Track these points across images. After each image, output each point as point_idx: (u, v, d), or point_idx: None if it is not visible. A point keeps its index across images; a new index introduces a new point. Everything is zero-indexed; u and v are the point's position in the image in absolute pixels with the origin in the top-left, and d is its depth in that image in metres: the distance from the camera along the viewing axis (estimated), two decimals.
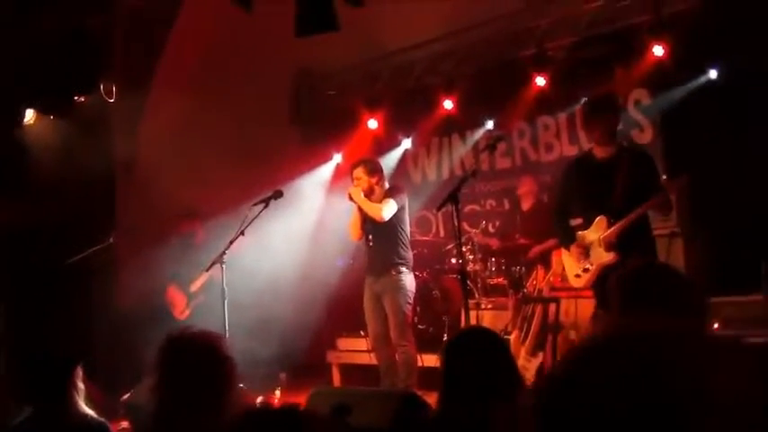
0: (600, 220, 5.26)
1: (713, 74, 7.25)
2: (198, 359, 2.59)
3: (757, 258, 5.72)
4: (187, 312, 7.45)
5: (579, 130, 8.40)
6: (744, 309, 5.95)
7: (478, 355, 2.91)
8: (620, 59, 7.73)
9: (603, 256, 5.22)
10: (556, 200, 6.06)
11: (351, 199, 6.39)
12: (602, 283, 5.20)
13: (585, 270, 5.38)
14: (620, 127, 7.65)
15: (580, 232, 5.42)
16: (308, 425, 1.71)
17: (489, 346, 3.01)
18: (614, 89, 7.81)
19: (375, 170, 6.53)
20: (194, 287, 7.34)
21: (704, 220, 7.01)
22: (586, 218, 5.39)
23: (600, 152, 5.36)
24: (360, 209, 6.42)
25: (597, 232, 5.28)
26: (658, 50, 7.33)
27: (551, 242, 7.65)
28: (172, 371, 2.61)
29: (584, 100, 5.60)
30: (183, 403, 2.55)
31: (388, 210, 6.30)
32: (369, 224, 6.47)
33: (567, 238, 5.55)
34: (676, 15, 7.28)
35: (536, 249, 7.67)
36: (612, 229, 5.17)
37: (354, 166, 6.59)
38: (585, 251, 5.36)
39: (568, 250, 5.52)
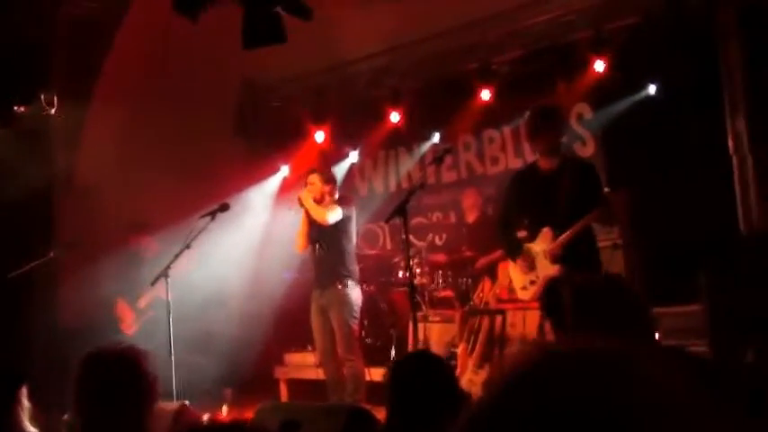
0: (545, 233, 5.30)
1: (652, 89, 7.44)
2: (115, 375, 2.58)
3: (694, 268, 5.86)
4: (135, 327, 7.32)
5: (524, 143, 8.54)
6: (683, 319, 6.08)
7: (424, 379, 2.97)
8: (562, 74, 7.87)
9: (549, 269, 5.27)
10: (499, 212, 6.11)
11: (300, 202, 6.39)
12: (547, 295, 5.28)
13: (532, 282, 5.42)
14: (564, 139, 7.87)
15: (526, 245, 5.47)
16: None
17: (434, 370, 3.07)
18: (557, 103, 7.99)
19: (330, 180, 6.60)
20: (142, 303, 7.22)
21: (643, 232, 7.16)
22: (531, 230, 5.43)
23: (544, 164, 5.40)
24: (306, 217, 6.43)
25: (542, 244, 5.32)
26: (599, 65, 7.49)
27: (497, 254, 7.73)
28: (89, 387, 2.61)
29: (529, 111, 5.61)
30: (101, 419, 2.54)
31: (333, 215, 6.33)
32: (315, 234, 6.47)
33: (513, 249, 5.59)
34: (616, 31, 7.46)
35: (482, 261, 7.74)
36: (557, 241, 5.22)
37: (310, 172, 6.67)
38: (531, 263, 5.40)
39: (515, 262, 5.57)
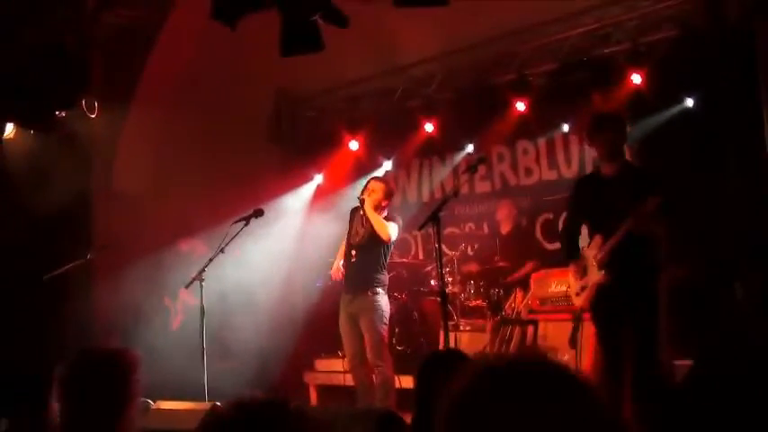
0: (596, 239, 5.20)
1: (690, 102, 7.38)
2: (94, 378, 2.63)
3: (731, 282, 5.79)
4: (176, 324, 7.48)
5: (558, 155, 8.53)
6: None
7: (449, 376, 2.95)
8: (598, 86, 7.82)
9: (596, 275, 5.21)
10: (566, 216, 6.04)
11: (361, 204, 6.40)
12: (598, 303, 5.23)
13: (583, 288, 5.33)
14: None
15: (584, 250, 5.40)
16: (298, 420, 1.69)
17: (459, 366, 3.04)
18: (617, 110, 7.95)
19: (390, 194, 6.62)
20: (179, 305, 7.35)
21: (680, 244, 7.09)
22: (590, 235, 5.34)
23: (605, 169, 5.31)
24: (365, 217, 6.44)
25: (594, 250, 5.24)
26: (636, 78, 7.46)
27: (529, 267, 7.73)
28: (70, 387, 2.65)
29: (591, 116, 5.59)
30: (80, 419, 2.60)
31: (394, 231, 6.40)
32: (356, 240, 6.50)
33: (568, 254, 5.53)
34: (654, 45, 7.42)
35: (514, 276, 7.74)
36: (604, 247, 5.17)
37: (375, 179, 6.72)
38: (584, 269, 5.31)
39: (569, 267, 5.54)
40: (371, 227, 6.41)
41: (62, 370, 2.68)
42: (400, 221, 6.62)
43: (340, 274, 6.56)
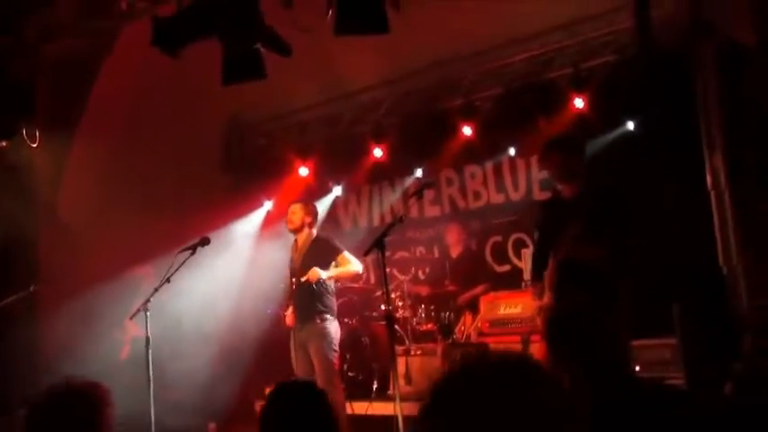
0: (551, 260, 5.29)
1: (630, 125, 7.54)
2: (67, 414, 2.57)
3: (669, 302, 5.90)
4: (124, 354, 7.36)
5: (506, 179, 8.65)
6: (659, 352, 6.11)
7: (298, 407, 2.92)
8: (543, 111, 7.97)
9: (547, 298, 5.24)
10: (535, 239, 6.07)
11: (316, 282, 6.37)
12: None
13: (540, 309, 5.40)
14: (545, 176, 7.92)
15: (545, 272, 5.43)
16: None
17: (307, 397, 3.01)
18: (538, 139, 8.08)
19: (310, 212, 6.69)
20: (128, 336, 7.24)
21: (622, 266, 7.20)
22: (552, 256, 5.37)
23: (565, 191, 5.37)
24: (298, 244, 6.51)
25: (548, 273, 5.30)
26: (579, 103, 7.61)
27: (479, 289, 7.79)
28: (41, 425, 2.60)
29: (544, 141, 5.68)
30: None
31: (355, 262, 6.52)
32: (295, 271, 6.53)
33: (531, 276, 5.62)
34: (595, 69, 7.60)
35: (465, 297, 7.79)
36: (550, 269, 5.23)
37: (293, 203, 6.78)
38: (541, 291, 5.37)
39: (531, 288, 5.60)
40: (304, 255, 6.49)
41: (31, 406, 2.61)
42: (334, 241, 6.70)
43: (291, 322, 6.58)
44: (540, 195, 8.01)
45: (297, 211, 6.61)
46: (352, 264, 6.50)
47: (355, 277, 6.59)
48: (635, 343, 5.95)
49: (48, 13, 6.18)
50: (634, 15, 5.58)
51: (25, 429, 2.58)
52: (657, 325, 6.14)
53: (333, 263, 6.51)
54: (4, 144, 6.35)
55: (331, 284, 6.56)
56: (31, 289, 6.60)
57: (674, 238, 6.72)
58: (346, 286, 8.41)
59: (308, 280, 6.37)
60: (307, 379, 2.59)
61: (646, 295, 6.37)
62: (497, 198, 8.67)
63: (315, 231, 6.71)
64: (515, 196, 8.54)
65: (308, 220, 6.59)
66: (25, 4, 6.17)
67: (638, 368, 5.89)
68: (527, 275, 6.10)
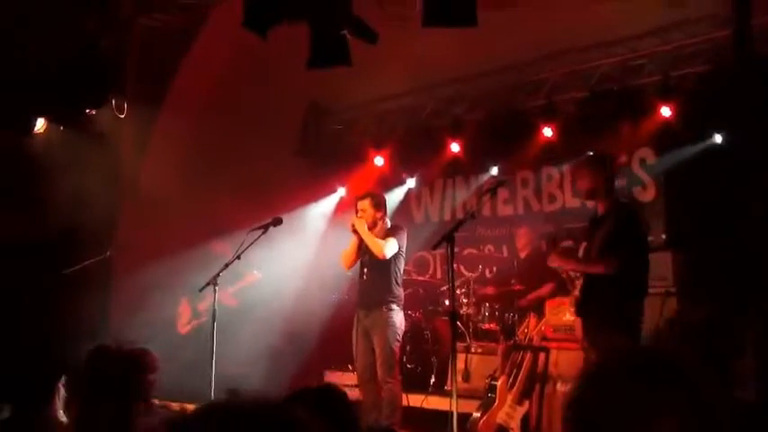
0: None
1: (718, 138, 7.32)
2: (109, 374, 2.64)
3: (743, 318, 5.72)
4: (188, 328, 7.51)
5: None
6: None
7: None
8: (627, 117, 7.82)
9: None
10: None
11: (353, 230, 6.41)
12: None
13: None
14: (622, 183, 7.78)
15: None
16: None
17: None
18: (620, 146, 7.93)
19: (380, 204, 6.58)
20: (201, 306, 7.39)
21: (698, 281, 7.02)
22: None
23: (598, 207, 5.46)
24: (359, 241, 6.44)
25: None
26: (666, 111, 7.42)
27: (545, 289, 7.68)
28: (85, 382, 2.68)
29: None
30: (93, 415, 2.61)
31: (390, 248, 6.33)
32: (366, 257, 6.49)
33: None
34: (685, 78, 7.39)
35: (530, 296, 7.69)
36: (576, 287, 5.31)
37: (360, 198, 6.63)
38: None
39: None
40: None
41: (78, 364, 2.72)
42: (404, 233, 6.58)
43: None
44: None
45: (366, 208, 6.48)
46: (386, 244, 6.34)
47: (379, 255, 6.36)
48: None
49: None
50: (733, 23, 5.39)
51: (68, 389, 2.68)
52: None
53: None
54: (92, 112, 6.55)
55: (399, 274, 6.53)
56: (107, 254, 6.81)
57: (755, 257, 6.49)
58: (413, 278, 8.41)
59: (352, 225, 6.39)
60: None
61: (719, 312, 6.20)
62: (573, 202, 8.52)
63: (388, 222, 6.66)
64: (591, 202, 8.37)
65: (378, 215, 6.51)
66: None
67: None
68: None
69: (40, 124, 6.92)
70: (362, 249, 6.50)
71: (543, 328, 7.20)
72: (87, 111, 6.56)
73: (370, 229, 6.43)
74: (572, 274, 5.44)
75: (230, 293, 7.29)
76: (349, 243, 6.57)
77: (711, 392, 1.26)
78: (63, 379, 3.36)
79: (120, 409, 2.61)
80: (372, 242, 6.33)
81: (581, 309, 5.26)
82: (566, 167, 8.57)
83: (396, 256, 6.47)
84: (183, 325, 7.62)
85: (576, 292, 5.32)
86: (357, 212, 6.53)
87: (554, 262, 5.60)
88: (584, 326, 5.23)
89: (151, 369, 2.71)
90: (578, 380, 1.34)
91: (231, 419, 1.21)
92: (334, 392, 2.87)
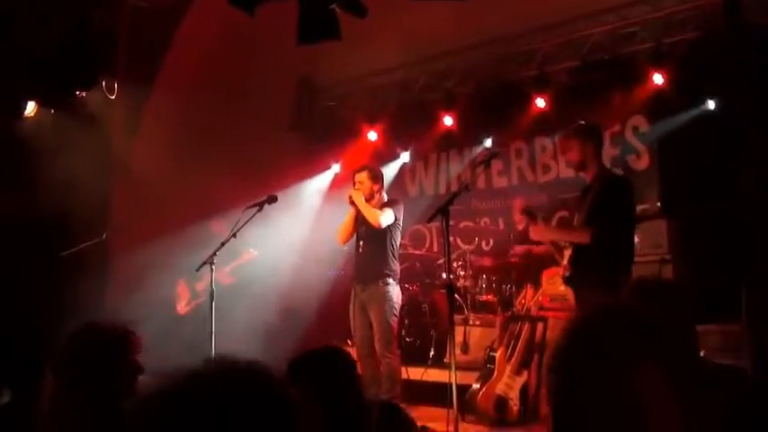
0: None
1: (711, 104, 7.31)
2: (91, 352, 2.55)
3: (737, 286, 5.77)
4: (187, 309, 7.52)
5: None
6: (725, 337, 5.99)
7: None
8: (619, 85, 7.80)
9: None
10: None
11: (351, 201, 6.44)
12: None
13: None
14: (615, 152, 7.78)
15: None
16: None
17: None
18: (613, 114, 7.92)
19: (378, 177, 6.63)
20: (199, 286, 7.40)
21: (693, 247, 7.05)
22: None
23: (587, 177, 5.48)
24: (356, 213, 6.48)
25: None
26: (658, 79, 7.40)
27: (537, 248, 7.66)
28: (67, 360, 2.59)
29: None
30: (71, 391, 2.52)
31: (385, 217, 6.37)
32: (362, 230, 6.52)
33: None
34: (677, 45, 7.35)
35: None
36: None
37: (358, 171, 6.69)
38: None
39: None
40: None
41: (62, 342, 2.62)
42: (401, 205, 6.63)
43: None
44: None
45: (364, 180, 6.54)
46: (382, 213, 6.39)
47: (375, 225, 6.38)
48: (704, 328, 5.83)
49: None
50: None
51: (51, 368, 2.60)
52: (724, 310, 6.01)
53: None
54: (83, 94, 6.51)
55: (396, 248, 6.56)
56: (103, 237, 6.81)
57: (748, 222, 6.52)
58: (409, 252, 8.43)
59: (349, 197, 6.43)
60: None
61: (713, 278, 6.24)
62: (567, 172, 8.49)
63: (385, 196, 6.69)
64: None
65: (376, 187, 6.56)
66: None
67: (701, 353, 5.77)
68: None
69: (31, 107, 6.89)
70: (359, 221, 6.53)
71: (540, 298, 7.24)
72: (78, 93, 6.53)
73: (368, 201, 6.47)
74: (561, 243, 5.46)
75: (227, 272, 7.31)
76: (345, 216, 6.60)
77: (684, 348, 1.36)
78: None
79: (103, 392, 2.51)
80: (368, 211, 6.37)
81: (570, 279, 5.30)
82: (559, 138, 8.55)
83: (392, 229, 6.50)
84: (183, 306, 7.63)
85: (565, 262, 5.34)
86: (354, 185, 6.56)
87: (535, 234, 5.63)
88: (575, 295, 5.27)
89: (135, 349, 2.62)
90: (564, 332, 1.39)
91: (190, 407, 1.11)
92: (340, 354, 2.86)
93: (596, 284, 4.95)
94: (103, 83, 6.45)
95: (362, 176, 6.58)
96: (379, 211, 6.39)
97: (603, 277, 4.99)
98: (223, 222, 7.26)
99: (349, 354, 2.83)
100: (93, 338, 2.61)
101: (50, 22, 6.12)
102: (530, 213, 5.58)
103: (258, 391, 1.16)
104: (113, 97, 6.56)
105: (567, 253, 5.35)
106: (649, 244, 7.14)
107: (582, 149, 5.37)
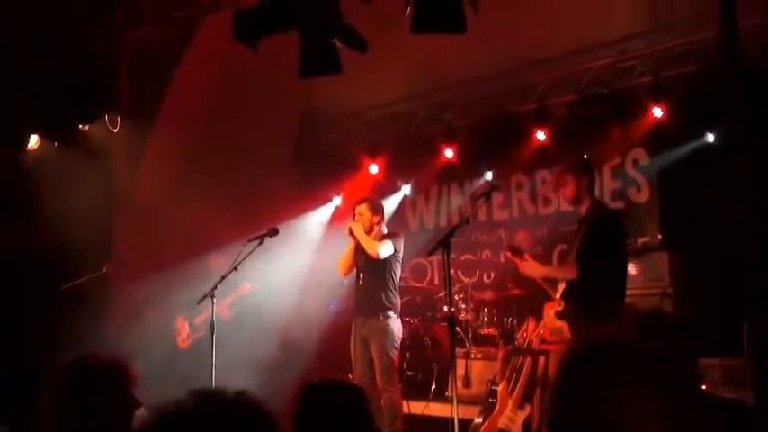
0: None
1: (710, 137, 7.34)
2: (84, 384, 2.51)
3: (739, 320, 5.75)
4: (187, 343, 7.49)
5: None
6: (727, 371, 5.96)
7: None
8: (619, 119, 7.85)
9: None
10: None
11: (350, 233, 6.46)
12: None
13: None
14: (616, 186, 7.80)
15: None
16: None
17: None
18: (613, 147, 7.96)
19: (377, 210, 6.66)
20: (198, 320, 7.38)
21: (694, 280, 7.04)
22: None
23: (581, 210, 5.55)
24: (356, 245, 6.49)
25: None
26: (657, 112, 7.46)
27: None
28: (61, 391, 2.54)
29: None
30: (65, 423, 2.48)
31: (384, 249, 6.38)
32: (362, 263, 6.52)
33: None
34: (676, 79, 7.42)
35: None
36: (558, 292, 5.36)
37: (359, 203, 6.75)
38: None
39: None
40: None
41: (55, 373, 2.57)
42: (401, 238, 6.64)
43: None
44: (611, 205, 7.86)
45: (364, 213, 6.58)
46: (381, 245, 6.39)
47: (374, 257, 6.38)
48: (706, 361, 5.81)
49: (133, 2, 6.35)
50: (719, 25, 5.43)
51: (45, 397, 2.53)
52: (726, 344, 5.99)
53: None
54: (86, 128, 6.56)
55: (396, 281, 6.56)
56: (104, 270, 6.80)
57: (748, 255, 6.51)
58: (410, 285, 8.42)
59: (349, 229, 6.45)
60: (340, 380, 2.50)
61: (715, 313, 6.22)
62: (567, 205, 8.49)
63: (385, 229, 6.71)
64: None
65: (375, 219, 6.58)
66: None
67: (704, 387, 5.74)
68: None
69: (34, 140, 6.93)
70: (359, 253, 6.54)
71: (542, 331, 7.20)
72: (81, 126, 6.58)
73: (367, 233, 6.49)
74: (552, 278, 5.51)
75: (226, 305, 7.29)
76: (345, 248, 6.61)
77: (678, 379, 1.40)
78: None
79: (99, 420, 2.48)
80: (367, 242, 6.38)
81: (562, 313, 5.31)
82: (553, 173, 8.59)
83: (392, 262, 6.50)
84: (183, 340, 7.59)
85: (558, 296, 5.35)
86: (354, 217, 6.59)
87: (524, 270, 5.66)
88: (570, 328, 5.28)
89: (130, 382, 2.58)
90: (562, 362, 1.43)
91: None
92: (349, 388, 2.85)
93: (587, 318, 4.96)
94: (106, 116, 6.51)
95: (362, 209, 6.61)
96: (377, 243, 6.40)
97: (593, 311, 5.00)
98: (222, 257, 7.26)
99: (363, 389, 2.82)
100: (88, 371, 2.55)
101: (54, 56, 6.18)
102: (516, 251, 5.61)
103: (244, 420, 1.21)
104: (116, 131, 6.60)
105: (561, 287, 5.37)
106: (650, 277, 7.14)
107: (576, 184, 5.42)
